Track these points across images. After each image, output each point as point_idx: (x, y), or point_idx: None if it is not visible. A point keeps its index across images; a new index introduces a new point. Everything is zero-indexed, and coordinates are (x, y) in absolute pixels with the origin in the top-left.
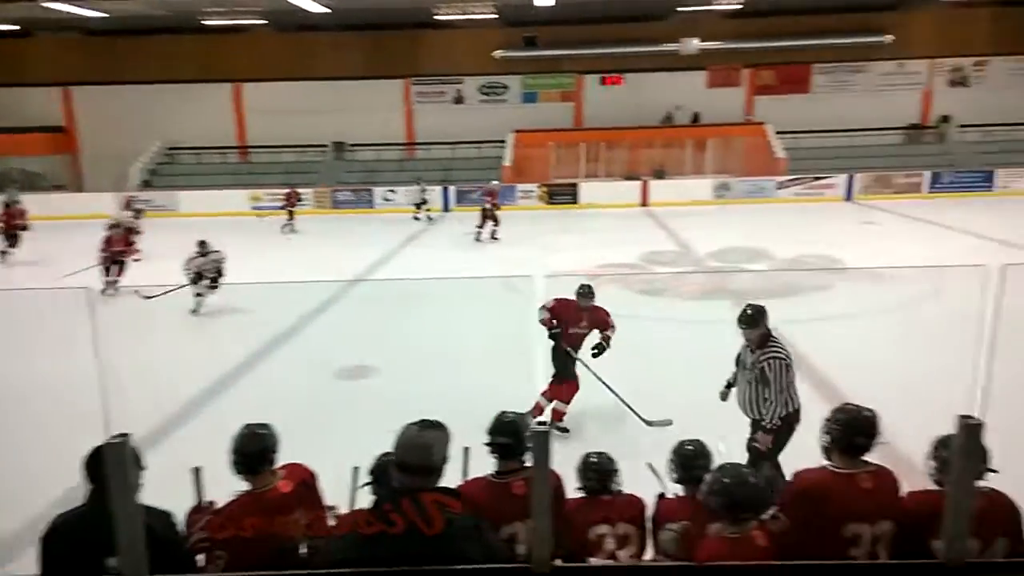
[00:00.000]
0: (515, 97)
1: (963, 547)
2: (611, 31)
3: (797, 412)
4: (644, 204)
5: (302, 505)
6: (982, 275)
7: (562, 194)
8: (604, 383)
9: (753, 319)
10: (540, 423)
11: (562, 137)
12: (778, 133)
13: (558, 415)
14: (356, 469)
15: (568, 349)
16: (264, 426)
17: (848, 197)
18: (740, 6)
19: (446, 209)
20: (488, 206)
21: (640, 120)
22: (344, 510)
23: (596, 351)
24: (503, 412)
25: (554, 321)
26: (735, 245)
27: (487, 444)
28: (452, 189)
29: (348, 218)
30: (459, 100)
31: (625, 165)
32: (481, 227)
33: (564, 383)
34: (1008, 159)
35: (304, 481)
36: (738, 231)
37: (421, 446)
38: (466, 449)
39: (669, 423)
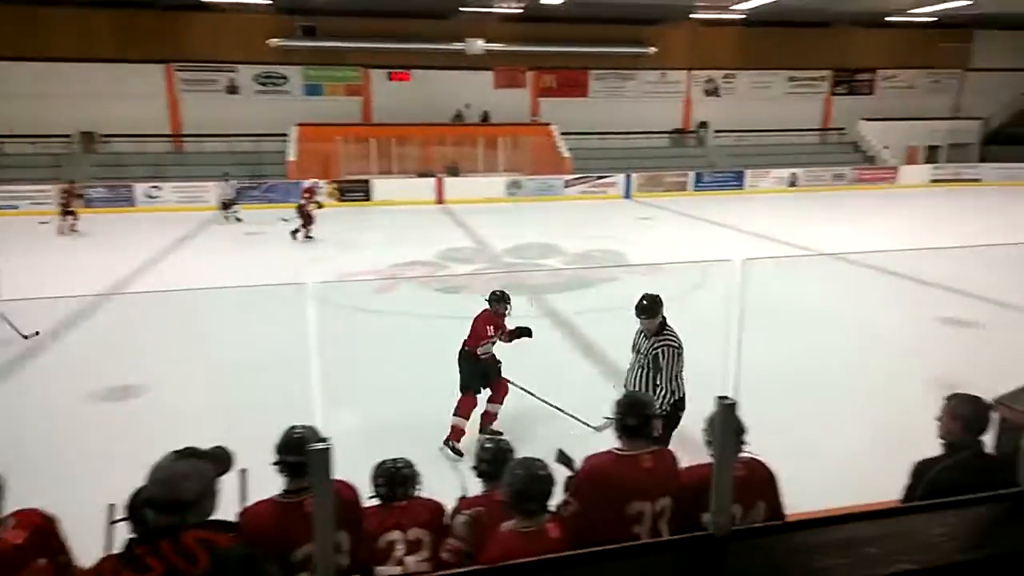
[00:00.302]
0: (297, 89)
1: (727, 518)
2: (395, 26)
3: (683, 400)
4: (440, 201)
5: (40, 556)
6: (734, 268)
7: (354, 191)
8: (537, 397)
9: (650, 308)
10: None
11: (350, 132)
12: (563, 134)
13: (491, 419)
14: (112, 507)
15: (487, 361)
16: None
17: (627, 195)
18: (520, 10)
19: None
20: (304, 203)
21: (430, 117)
22: (95, 557)
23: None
24: (292, 427)
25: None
26: (529, 241)
27: (275, 463)
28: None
29: (105, 218)
30: (233, 90)
31: (417, 162)
32: (305, 226)
33: (494, 387)
34: (755, 161)
35: (38, 528)
36: (531, 227)
37: (170, 479)
38: (243, 471)
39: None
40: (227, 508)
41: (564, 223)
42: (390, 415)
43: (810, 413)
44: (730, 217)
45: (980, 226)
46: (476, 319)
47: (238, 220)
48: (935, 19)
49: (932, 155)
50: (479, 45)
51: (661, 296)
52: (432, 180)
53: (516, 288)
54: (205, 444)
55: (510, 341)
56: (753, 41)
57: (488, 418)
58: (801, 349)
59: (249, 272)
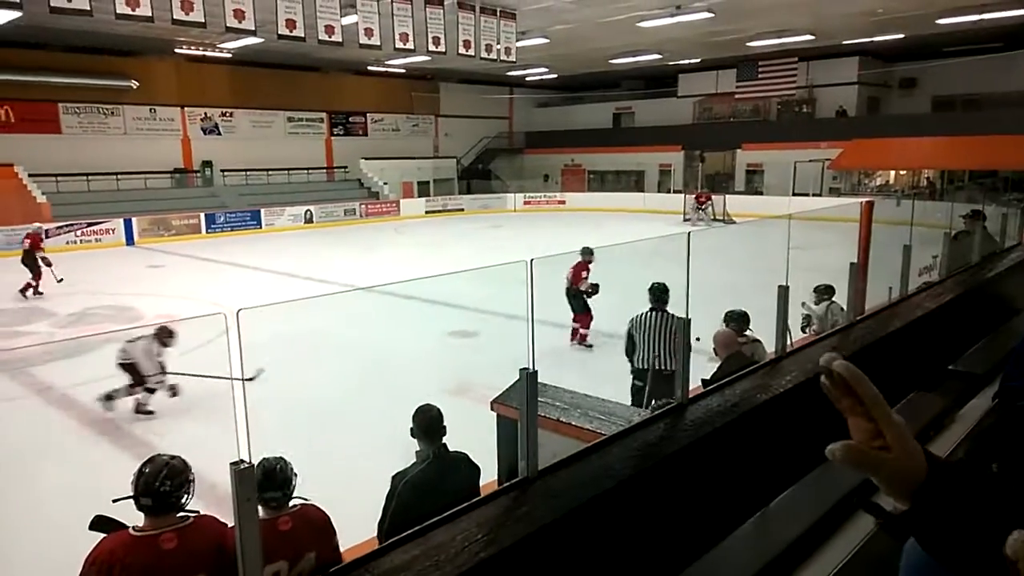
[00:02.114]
0: None
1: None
2: None
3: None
4: None
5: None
6: (223, 320)
7: None
8: None
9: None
10: None
11: None
12: (32, 176)
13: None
14: None
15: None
16: None
17: (130, 241)
18: None
19: None
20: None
21: None
22: None
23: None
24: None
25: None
26: (3, 306)
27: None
28: None
29: None
30: None
31: None
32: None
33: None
34: (268, 200)
35: None
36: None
37: None
38: None
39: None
40: None
41: (50, 280)
42: None
43: (348, 442)
44: (252, 257)
45: (471, 250)
46: (574, 267)
47: None
48: (405, 71)
49: (424, 189)
50: None
51: None
52: None
53: None
54: None
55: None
56: (247, 80)
57: (578, 335)
58: (325, 380)
59: None
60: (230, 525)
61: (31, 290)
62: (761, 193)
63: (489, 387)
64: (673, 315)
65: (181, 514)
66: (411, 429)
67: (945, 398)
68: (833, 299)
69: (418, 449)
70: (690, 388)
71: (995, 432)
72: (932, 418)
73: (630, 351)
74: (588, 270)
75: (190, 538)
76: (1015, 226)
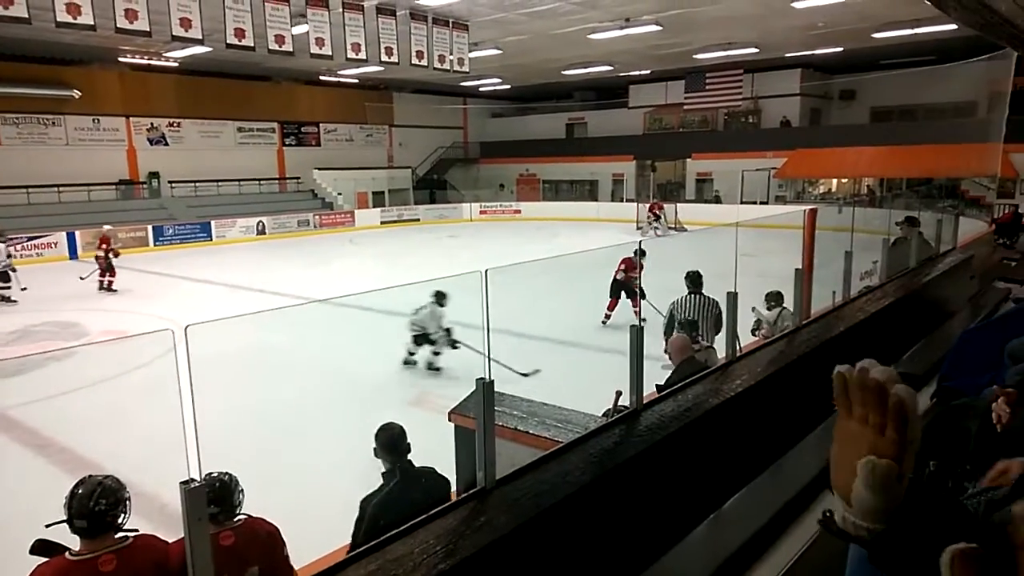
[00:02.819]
0: None
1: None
2: None
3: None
4: None
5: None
6: (173, 337)
7: None
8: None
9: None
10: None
11: None
12: None
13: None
14: None
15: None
16: None
17: (73, 255)
18: None
19: None
20: (102, 253)
21: None
22: None
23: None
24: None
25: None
26: None
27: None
28: None
29: None
30: None
31: None
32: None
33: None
34: (219, 211)
35: None
36: None
37: None
38: None
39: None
40: None
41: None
42: None
43: (305, 456)
44: (202, 270)
45: (428, 259)
46: (624, 260)
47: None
48: (357, 81)
49: (378, 199)
50: None
51: None
52: None
53: None
54: None
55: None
56: (195, 89)
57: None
58: (279, 395)
59: None
60: (170, 542)
61: (108, 285)
62: (719, 201)
63: (448, 398)
64: (709, 297)
65: (119, 534)
66: (374, 449)
67: None
68: (784, 306)
69: (383, 470)
70: (644, 394)
71: (933, 430)
72: None
73: (669, 330)
74: (641, 266)
75: (129, 559)
76: (950, 231)
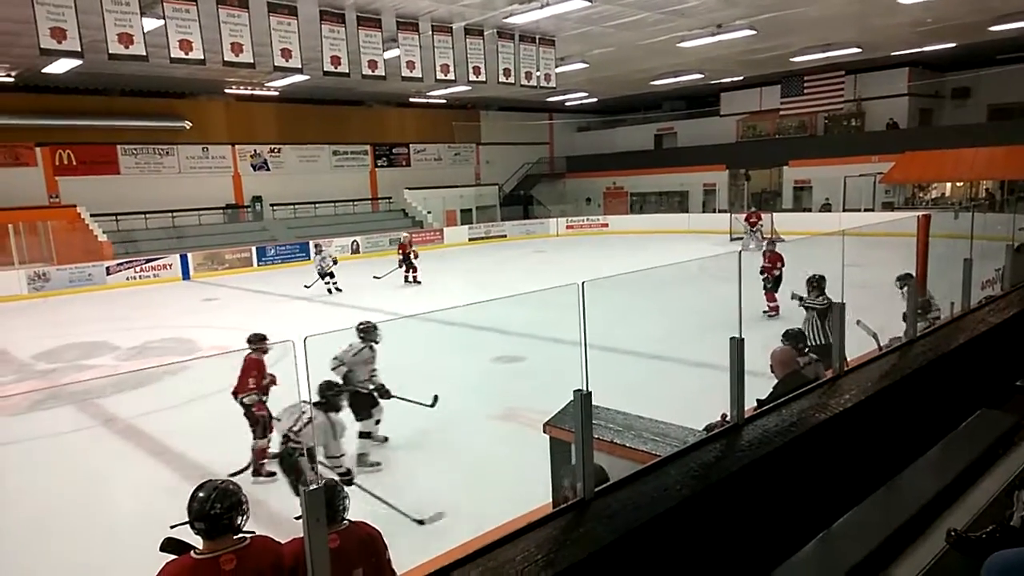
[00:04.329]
0: None
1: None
2: None
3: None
4: None
5: None
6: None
7: None
8: None
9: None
10: None
11: None
12: (94, 216)
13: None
14: None
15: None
16: None
17: (186, 276)
18: (11, 79)
19: None
20: (401, 256)
21: None
22: None
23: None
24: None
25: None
26: (68, 342)
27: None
28: None
29: None
30: None
31: None
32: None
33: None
34: (315, 232)
35: None
36: (69, 326)
37: None
38: None
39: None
40: None
41: (112, 315)
42: None
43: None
44: (302, 288)
45: (514, 275)
46: (770, 256)
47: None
48: (445, 101)
49: (466, 217)
50: None
51: None
52: None
53: (54, 400)
54: None
55: None
56: (293, 116)
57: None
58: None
59: None
60: (283, 543)
61: (413, 279)
62: (830, 209)
63: (537, 411)
64: (830, 298)
65: (238, 535)
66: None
67: (1014, 414)
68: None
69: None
70: (745, 409)
71: None
72: (1001, 435)
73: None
74: (782, 262)
75: (248, 559)
76: None
